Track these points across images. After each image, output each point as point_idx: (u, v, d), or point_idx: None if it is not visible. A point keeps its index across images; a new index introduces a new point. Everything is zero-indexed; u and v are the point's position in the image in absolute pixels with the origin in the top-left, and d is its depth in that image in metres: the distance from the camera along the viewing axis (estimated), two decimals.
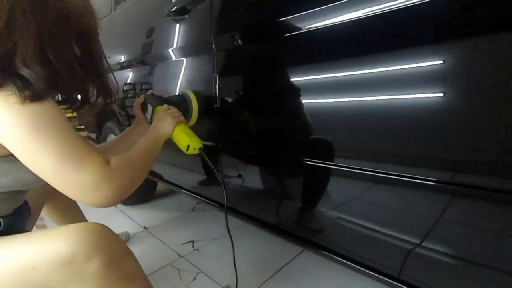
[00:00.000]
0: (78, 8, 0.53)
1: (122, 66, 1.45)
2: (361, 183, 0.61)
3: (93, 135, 1.88)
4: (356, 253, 0.71)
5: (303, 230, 0.82)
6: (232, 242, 0.78)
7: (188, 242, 1.32)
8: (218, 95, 0.84)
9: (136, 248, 1.21)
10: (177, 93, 0.99)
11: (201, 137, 0.79)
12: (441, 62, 0.45)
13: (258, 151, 0.80)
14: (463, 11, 0.43)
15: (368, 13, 0.52)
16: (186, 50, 0.99)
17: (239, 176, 0.91)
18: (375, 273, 0.68)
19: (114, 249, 0.50)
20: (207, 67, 0.88)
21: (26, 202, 0.72)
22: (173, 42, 1.04)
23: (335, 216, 0.70)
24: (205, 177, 1.12)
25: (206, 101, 0.90)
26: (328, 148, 0.63)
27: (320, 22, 0.59)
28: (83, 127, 2.14)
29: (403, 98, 0.50)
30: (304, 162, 0.68)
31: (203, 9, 0.87)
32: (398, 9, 0.48)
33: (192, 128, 0.80)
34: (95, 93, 0.64)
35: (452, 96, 0.45)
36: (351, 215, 0.67)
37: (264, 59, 0.74)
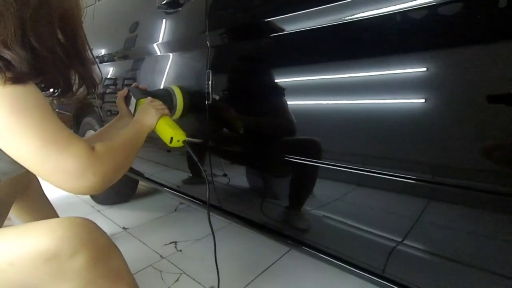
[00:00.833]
0: None
1: (103, 60, 1.39)
2: (346, 182, 0.62)
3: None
4: (341, 251, 0.71)
5: (289, 229, 0.82)
6: (214, 237, 0.75)
7: (171, 243, 1.28)
8: (211, 91, 0.82)
9: None
10: (161, 88, 0.97)
11: (191, 134, 0.77)
12: (421, 66, 0.48)
13: (251, 150, 0.79)
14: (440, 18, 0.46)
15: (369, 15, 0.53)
16: (177, 44, 0.97)
17: (225, 175, 0.90)
18: (360, 271, 0.69)
19: (100, 245, 0.47)
20: (199, 63, 0.86)
21: None
22: (164, 36, 1.01)
23: (320, 215, 0.70)
24: (190, 175, 1.09)
25: (191, 96, 0.89)
26: (319, 147, 0.64)
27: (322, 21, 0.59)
28: None
29: (389, 100, 0.52)
30: (299, 161, 0.68)
31: (198, 2, 0.85)
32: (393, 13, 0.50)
33: (182, 125, 0.78)
34: (77, 82, 0.62)
35: (432, 96, 0.47)
36: (336, 213, 0.68)
37: (261, 56, 0.74)
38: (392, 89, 0.51)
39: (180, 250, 1.22)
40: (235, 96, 0.81)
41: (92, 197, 1.76)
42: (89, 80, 0.63)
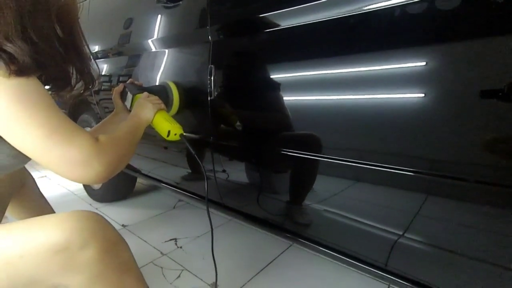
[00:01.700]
0: None
1: (97, 57, 1.37)
2: (346, 176, 0.63)
3: None
4: (344, 246, 0.72)
5: (291, 224, 0.82)
6: (212, 230, 0.75)
7: (171, 240, 1.27)
8: (213, 86, 0.81)
9: None
10: (157, 84, 0.97)
11: (193, 129, 0.76)
12: (418, 60, 0.48)
13: (254, 144, 0.79)
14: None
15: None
16: (177, 39, 0.96)
17: (224, 171, 0.90)
18: (364, 264, 0.69)
19: (109, 238, 0.47)
20: (201, 58, 0.86)
21: None
22: (162, 31, 1.01)
23: (322, 209, 0.71)
24: (190, 171, 1.09)
25: (193, 92, 0.89)
26: (324, 142, 0.64)
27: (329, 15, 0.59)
28: None
29: (389, 95, 0.52)
30: (303, 156, 0.68)
31: None
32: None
33: (184, 120, 0.78)
34: (76, 77, 0.63)
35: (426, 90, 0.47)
36: (338, 208, 0.68)
37: (265, 50, 0.74)
38: (398, 84, 0.51)
39: (181, 247, 1.22)
40: (237, 91, 0.81)
41: (90, 194, 1.75)
42: (87, 74, 0.64)
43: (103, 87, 1.34)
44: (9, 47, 0.45)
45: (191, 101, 0.90)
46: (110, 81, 1.29)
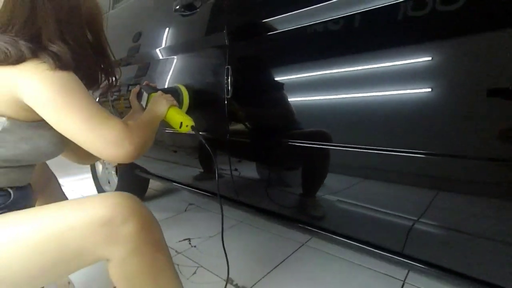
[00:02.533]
0: (86, 1, 0.65)
1: (126, 63, 1.45)
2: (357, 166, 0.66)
3: None
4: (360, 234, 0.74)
5: (306, 217, 0.85)
6: (222, 217, 0.80)
7: (184, 239, 1.30)
8: (230, 86, 0.87)
9: None
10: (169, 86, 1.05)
11: (210, 127, 0.80)
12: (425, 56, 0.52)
13: (270, 141, 0.83)
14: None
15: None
16: (194, 44, 1.02)
17: (236, 169, 0.94)
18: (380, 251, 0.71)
19: (145, 216, 0.52)
20: (218, 60, 0.92)
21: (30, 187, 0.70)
22: (180, 38, 1.07)
23: (335, 200, 0.73)
24: (202, 170, 1.13)
25: (205, 91, 0.98)
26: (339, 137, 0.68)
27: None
28: None
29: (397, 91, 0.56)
30: (319, 150, 0.71)
31: (215, 3, 0.91)
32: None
33: (202, 119, 0.84)
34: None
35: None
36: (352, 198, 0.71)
37: (276, 51, 0.79)
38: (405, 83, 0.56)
39: (195, 246, 1.24)
40: (253, 89, 0.86)
41: None
42: (111, 75, 0.74)
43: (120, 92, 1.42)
44: (53, 47, 0.55)
45: (209, 99, 0.96)
46: (134, 84, 1.37)
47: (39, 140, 0.57)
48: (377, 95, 0.60)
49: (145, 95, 0.90)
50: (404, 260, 0.67)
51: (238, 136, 0.91)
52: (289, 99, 0.76)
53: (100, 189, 1.85)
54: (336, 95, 0.66)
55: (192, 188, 1.22)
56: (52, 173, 0.99)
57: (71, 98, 0.52)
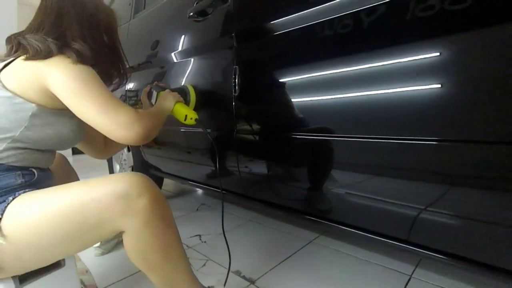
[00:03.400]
0: (104, 9, 0.76)
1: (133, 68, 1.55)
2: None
3: None
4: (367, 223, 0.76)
5: (313, 211, 0.88)
6: (222, 204, 0.86)
7: (195, 235, 1.35)
8: (237, 84, 0.93)
9: None
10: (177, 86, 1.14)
11: (218, 123, 0.87)
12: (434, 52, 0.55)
13: (277, 136, 0.88)
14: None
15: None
16: (205, 47, 1.10)
17: (246, 166, 0.98)
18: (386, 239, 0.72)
19: (157, 192, 0.57)
20: (226, 61, 0.98)
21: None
22: (192, 42, 1.15)
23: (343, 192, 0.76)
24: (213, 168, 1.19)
25: (214, 89, 1.06)
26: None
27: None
28: None
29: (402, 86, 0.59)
30: (326, 144, 0.75)
31: (225, 9, 0.99)
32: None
33: (211, 115, 0.90)
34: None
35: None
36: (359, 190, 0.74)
37: (280, 51, 0.85)
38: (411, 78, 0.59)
39: (205, 242, 1.28)
40: (259, 87, 0.91)
41: None
42: (124, 73, 0.83)
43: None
44: (76, 45, 0.65)
45: (218, 98, 1.02)
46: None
47: (61, 127, 0.66)
48: (378, 94, 0.63)
49: (154, 93, 0.98)
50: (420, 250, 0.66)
51: (244, 132, 0.96)
52: (292, 97, 0.81)
53: None
54: (338, 91, 0.70)
55: (201, 184, 1.28)
56: (72, 169, 1.06)
57: (89, 86, 0.60)
